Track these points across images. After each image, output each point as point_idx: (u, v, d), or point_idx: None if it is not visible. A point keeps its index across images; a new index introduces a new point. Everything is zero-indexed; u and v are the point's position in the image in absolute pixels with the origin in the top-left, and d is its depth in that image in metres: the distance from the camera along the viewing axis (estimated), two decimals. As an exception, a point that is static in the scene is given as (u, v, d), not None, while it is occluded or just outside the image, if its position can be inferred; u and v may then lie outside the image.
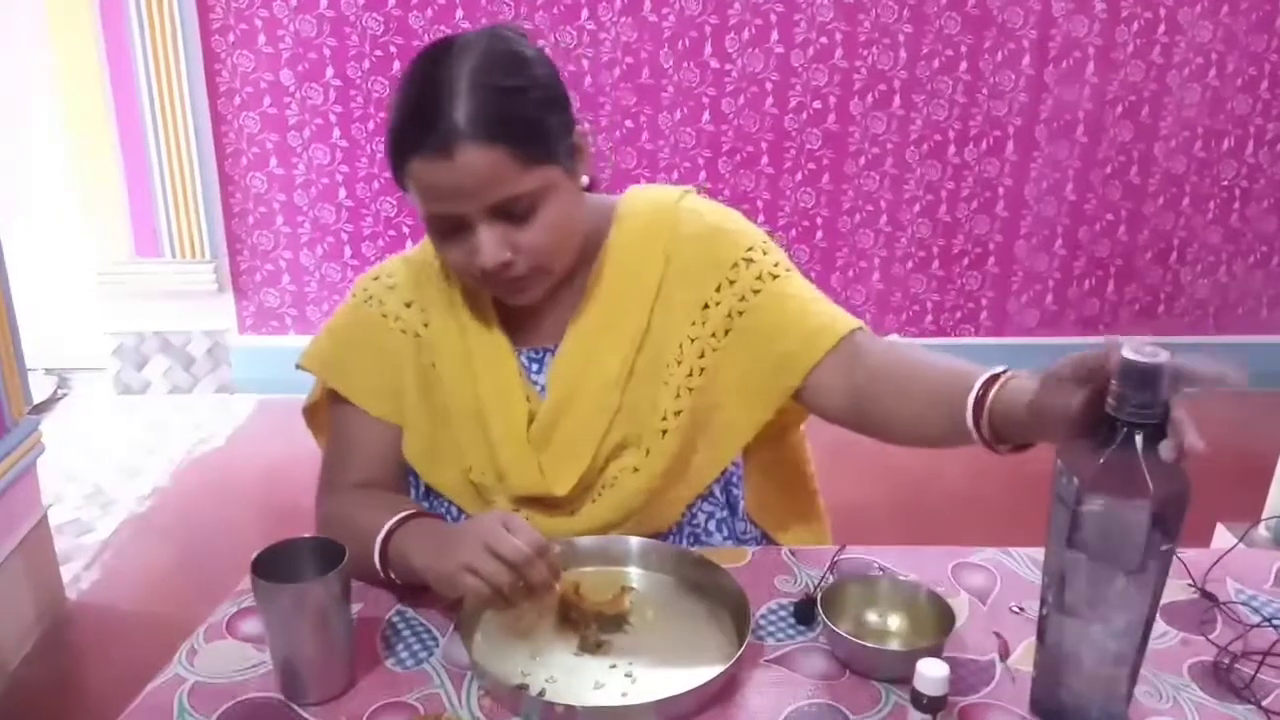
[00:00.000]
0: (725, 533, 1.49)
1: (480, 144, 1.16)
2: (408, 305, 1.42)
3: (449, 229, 1.24)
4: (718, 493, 1.48)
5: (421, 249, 1.44)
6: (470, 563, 1.10)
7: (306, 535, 1.15)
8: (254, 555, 1.08)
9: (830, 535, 1.63)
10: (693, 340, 1.38)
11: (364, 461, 1.42)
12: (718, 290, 1.37)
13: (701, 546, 1.45)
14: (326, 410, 1.48)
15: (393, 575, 1.25)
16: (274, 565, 1.09)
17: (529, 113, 1.21)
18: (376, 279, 1.45)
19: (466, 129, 1.15)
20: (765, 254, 1.38)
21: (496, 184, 1.19)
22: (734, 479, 1.49)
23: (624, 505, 1.39)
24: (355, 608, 1.26)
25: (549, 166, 1.23)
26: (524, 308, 1.36)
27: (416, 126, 1.18)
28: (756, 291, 1.36)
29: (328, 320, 1.47)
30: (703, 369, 1.38)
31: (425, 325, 1.40)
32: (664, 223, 1.39)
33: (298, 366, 1.44)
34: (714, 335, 1.38)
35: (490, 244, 1.22)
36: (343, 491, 1.40)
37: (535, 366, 1.41)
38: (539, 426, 1.37)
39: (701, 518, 1.47)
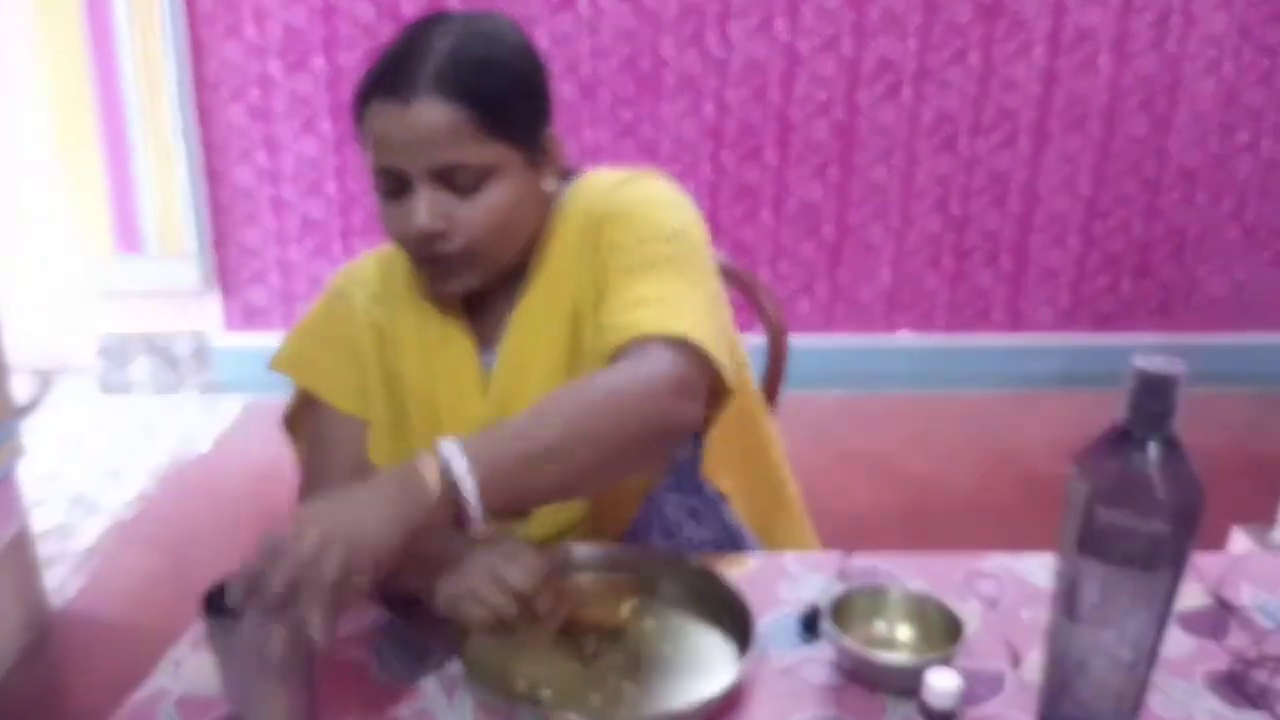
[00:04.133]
0: (698, 521, 1.46)
1: (440, 99, 1.18)
2: (375, 300, 1.41)
3: (392, 189, 1.23)
4: (684, 482, 1.45)
5: (391, 246, 1.44)
6: (477, 591, 1.09)
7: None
8: (205, 591, 1.00)
9: (815, 536, 1.63)
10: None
11: (342, 464, 1.40)
12: (596, 277, 1.32)
13: (681, 540, 1.44)
14: (304, 419, 1.47)
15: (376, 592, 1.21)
16: (227, 600, 0.98)
17: (497, 87, 1.22)
18: (348, 274, 1.45)
19: (430, 81, 1.18)
20: (641, 243, 1.28)
21: (447, 145, 1.20)
22: (696, 464, 1.47)
23: (577, 505, 1.38)
24: (345, 618, 1.21)
25: (506, 147, 1.23)
26: (485, 304, 1.37)
27: (383, 71, 1.21)
28: (611, 285, 1.28)
29: (297, 323, 1.47)
30: None
31: (390, 321, 1.40)
32: (585, 210, 1.35)
33: (271, 368, 1.43)
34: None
35: (427, 208, 1.21)
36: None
37: (493, 364, 1.39)
38: (485, 425, 1.27)
39: (669, 509, 1.44)
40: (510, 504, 1.10)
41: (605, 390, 1.15)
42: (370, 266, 1.44)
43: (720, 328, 1.26)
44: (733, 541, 1.47)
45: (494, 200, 1.23)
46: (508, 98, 1.23)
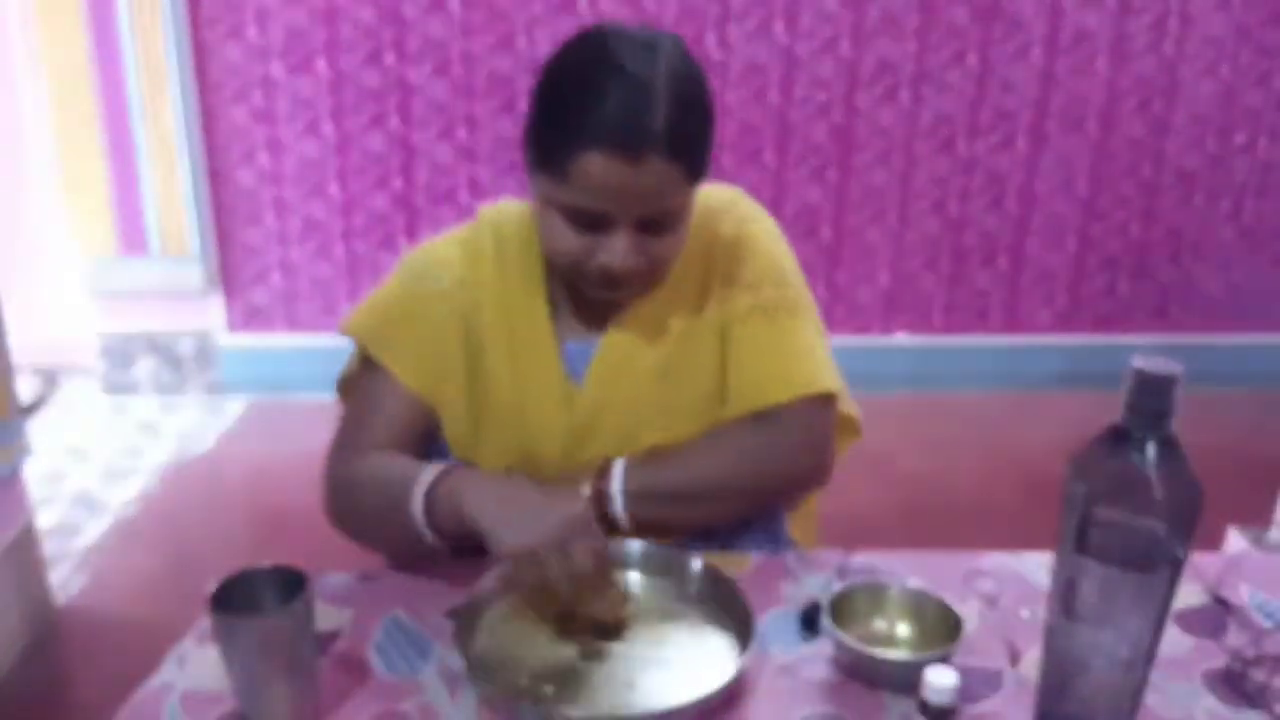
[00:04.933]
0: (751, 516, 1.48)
1: (668, 157, 1.17)
2: (463, 286, 1.40)
3: (585, 223, 1.23)
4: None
5: (471, 232, 1.44)
6: (538, 554, 1.12)
7: (265, 563, 1.08)
8: (209, 590, 1.03)
9: (816, 535, 1.64)
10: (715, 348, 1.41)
11: (388, 430, 1.39)
12: (722, 305, 1.39)
13: (734, 531, 1.45)
14: (359, 381, 1.46)
15: (425, 527, 1.23)
16: (232, 598, 1.03)
17: (706, 133, 1.24)
18: (430, 255, 1.44)
19: (663, 139, 1.16)
20: (778, 286, 1.39)
21: (665, 197, 1.21)
22: None
23: None
24: (348, 613, 1.26)
25: (697, 186, 1.27)
26: (574, 301, 1.40)
27: (611, 120, 1.16)
28: (744, 321, 1.38)
29: (373, 292, 1.45)
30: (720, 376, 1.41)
31: (476, 309, 1.40)
32: (709, 226, 1.40)
33: (342, 332, 1.42)
34: (720, 347, 1.41)
35: (630, 249, 1.23)
36: (363, 452, 1.36)
37: (580, 359, 1.40)
38: (577, 424, 1.38)
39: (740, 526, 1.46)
40: (653, 526, 1.32)
41: (767, 447, 1.34)
42: (452, 251, 1.43)
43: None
44: (774, 539, 1.49)
45: (682, 234, 1.28)
46: (709, 143, 1.25)
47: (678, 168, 1.19)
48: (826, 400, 1.38)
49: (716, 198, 1.43)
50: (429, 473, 1.23)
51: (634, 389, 1.37)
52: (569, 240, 1.25)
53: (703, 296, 1.39)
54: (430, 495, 1.22)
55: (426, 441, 1.42)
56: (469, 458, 1.40)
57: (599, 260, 1.24)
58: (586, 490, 1.31)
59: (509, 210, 1.42)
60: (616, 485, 1.30)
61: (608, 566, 1.18)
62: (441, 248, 1.44)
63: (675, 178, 1.19)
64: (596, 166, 1.17)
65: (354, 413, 1.43)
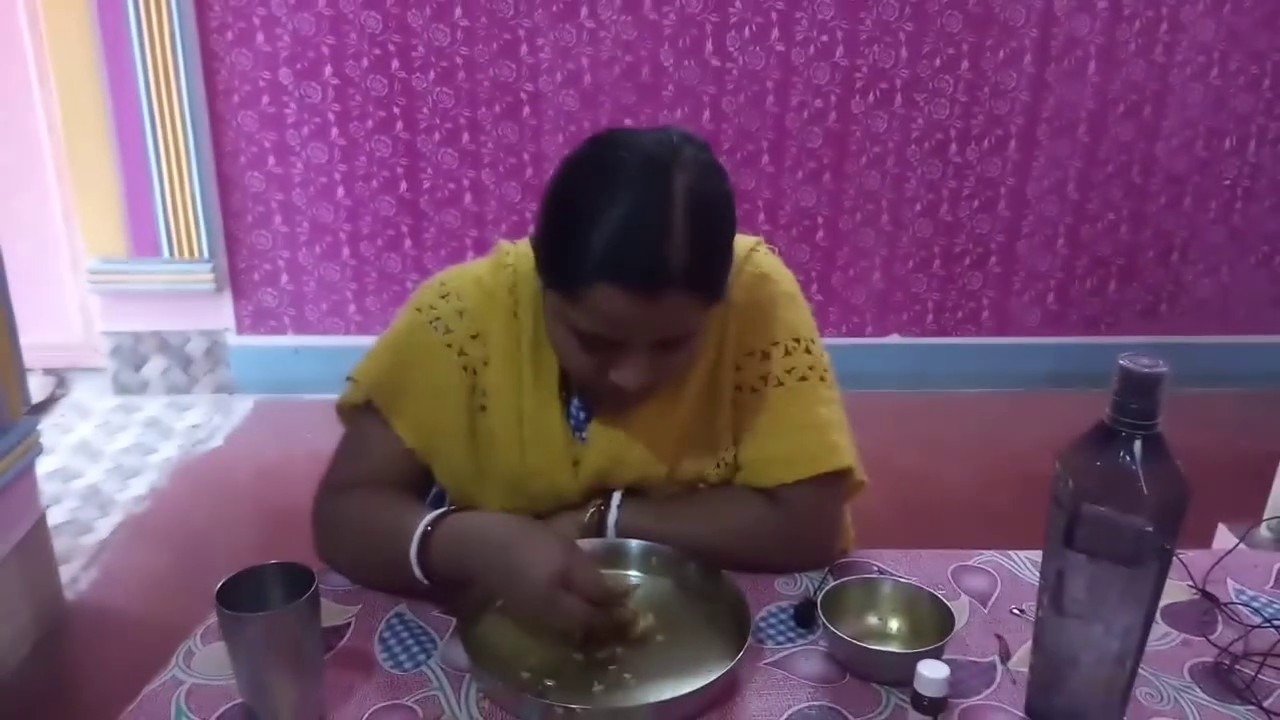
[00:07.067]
0: None
1: (685, 293, 1.13)
2: (474, 336, 1.34)
3: (597, 344, 1.19)
4: None
5: (490, 272, 1.37)
6: (545, 615, 1.14)
7: (272, 561, 1.09)
8: (217, 586, 1.03)
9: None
10: (728, 416, 1.37)
11: (381, 475, 1.36)
12: (736, 371, 1.35)
13: None
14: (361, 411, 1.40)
15: (424, 574, 1.22)
16: (239, 595, 1.03)
17: (727, 258, 1.20)
18: (445, 296, 1.36)
19: (681, 277, 1.11)
20: (791, 353, 1.34)
21: (679, 325, 1.18)
22: None
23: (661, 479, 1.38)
24: (353, 610, 1.27)
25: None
26: None
27: (628, 255, 1.11)
28: (758, 391, 1.35)
29: (386, 332, 1.39)
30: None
31: (485, 364, 1.34)
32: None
33: (349, 379, 1.36)
34: (734, 415, 1.37)
35: (642, 371, 1.20)
36: (357, 490, 1.34)
37: (584, 415, 1.37)
38: (582, 488, 1.37)
39: None
40: None
41: (768, 527, 1.33)
42: (470, 295, 1.35)
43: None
44: None
45: (695, 346, 1.24)
46: (729, 268, 1.20)
47: (696, 300, 1.14)
48: (836, 477, 1.34)
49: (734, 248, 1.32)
50: (420, 529, 1.21)
51: (642, 458, 1.33)
52: (580, 357, 1.21)
53: (717, 361, 1.34)
54: (423, 554, 1.21)
55: (424, 485, 1.40)
56: (468, 503, 1.37)
57: (611, 378, 1.20)
58: (585, 516, 1.34)
59: (530, 255, 1.28)
60: (611, 517, 1.32)
61: (607, 597, 1.16)
62: (459, 288, 1.36)
63: (694, 306, 1.15)
64: (612, 301, 1.11)
65: (350, 454, 1.38)
